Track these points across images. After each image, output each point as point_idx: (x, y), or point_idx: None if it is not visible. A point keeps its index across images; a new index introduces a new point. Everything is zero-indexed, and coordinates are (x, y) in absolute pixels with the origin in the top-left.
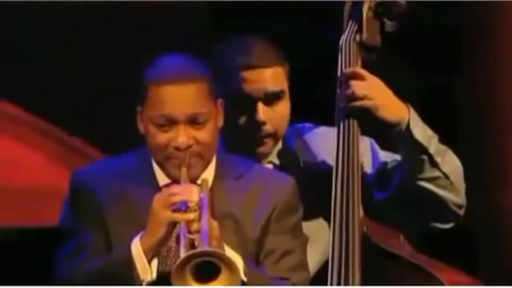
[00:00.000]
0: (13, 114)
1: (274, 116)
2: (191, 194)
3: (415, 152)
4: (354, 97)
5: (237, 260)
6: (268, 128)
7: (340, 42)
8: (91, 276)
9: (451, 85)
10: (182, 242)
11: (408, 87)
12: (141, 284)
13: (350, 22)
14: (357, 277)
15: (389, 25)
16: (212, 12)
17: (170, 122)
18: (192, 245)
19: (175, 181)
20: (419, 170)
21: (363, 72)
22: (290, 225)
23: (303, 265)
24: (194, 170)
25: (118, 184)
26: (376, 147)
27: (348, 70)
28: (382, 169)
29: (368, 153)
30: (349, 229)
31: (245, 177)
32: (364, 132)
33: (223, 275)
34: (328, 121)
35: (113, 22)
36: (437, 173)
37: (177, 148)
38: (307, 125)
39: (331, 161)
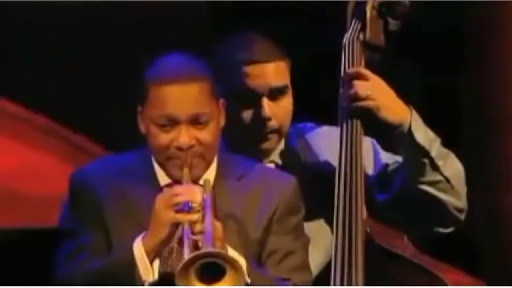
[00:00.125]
0: (13, 111)
1: (279, 112)
2: (195, 194)
3: (417, 155)
4: (356, 97)
5: (241, 261)
6: (273, 123)
7: (344, 41)
8: (91, 276)
9: (454, 86)
10: (186, 243)
11: (411, 88)
12: (142, 285)
13: (353, 21)
14: (360, 277)
15: (393, 24)
16: (212, 12)
17: (172, 122)
18: (195, 246)
19: (176, 181)
20: (420, 173)
21: (366, 72)
22: (292, 226)
23: (305, 265)
24: (196, 170)
25: (118, 183)
26: (378, 147)
27: (351, 70)
28: (383, 170)
29: (370, 153)
30: (352, 230)
31: (247, 177)
32: (366, 133)
33: (228, 276)
34: (330, 120)
35: (113, 22)
36: (438, 177)
37: (179, 148)
38: (309, 124)
39: (334, 161)
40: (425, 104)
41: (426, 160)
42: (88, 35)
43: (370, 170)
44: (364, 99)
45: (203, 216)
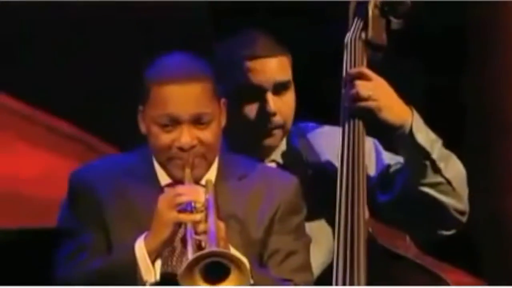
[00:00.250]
0: (15, 108)
1: (283, 107)
2: (198, 194)
3: (418, 157)
4: (358, 98)
5: (244, 261)
6: (278, 119)
7: (345, 40)
8: (92, 276)
9: (456, 85)
10: (190, 243)
11: (413, 87)
12: (144, 285)
13: (355, 20)
14: (363, 277)
15: (395, 23)
16: (212, 12)
17: (174, 122)
18: (199, 246)
19: (177, 181)
20: (421, 175)
21: (369, 72)
22: (293, 226)
23: (307, 266)
24: (197, 170)
25: (118, 183)
26: (380, 148)
27: (353, 70)
28: (385, 171)
29: (372, 154)
30: (354, 230)
31: (248, 177)
32: (368, 133)
33: (233, 275)
34: (331, 120)
35: (113, 22)
36: (439, 179)
37: (181, 149)
38: (311, 124)
39: (335, 160)
40: (427, 104)
41: (427, 162)
42: (88, 35)
43: (372, 171)
44: (366, 99)
45: (206, 216)
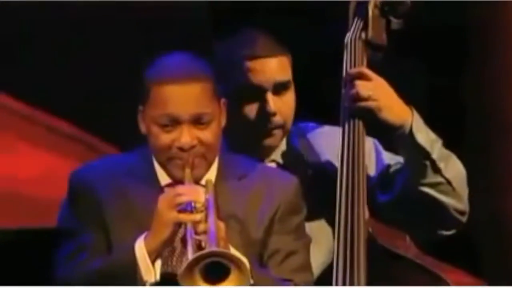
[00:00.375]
0: (15, 108)
1: (283, 107)
2: (198, 194)
3: (418, 157)
4: (358, 98)
5: (244, 261)
6: (278, 119)
7: (345, 40)
8: (92, 276)
9: (456, 86)
10: (190, 243)
11: (413, 87)
12: (144, 285)
13: (355, 20)
14: (363, 277)
15: (395, 23)
16: (212, 12)
17: (174, 122)
18: (199, 246)
19: (177, 181)
20: (421, 175)
21: (369, 72)
22: (293, 226)
23: (307, 266)
24: (197, 170)
25: (118, 183)
26: (380, 148)
27: (353, 70)
28: (385, 171)
29: (372, 154)
30: (354, 230)
31: (248, 177)
32: (368, 133)
33: (233, 275)
34: (331, 120)
35: (113, 22)
36: (439, 179)
37: (181, 149)
38: (311, 124)
39: (335, 160)
40: (427, 103)
41: (427, 162)
42: (88, 35)
43: (372, 171)
44: (366, 99)
45: (206, 216)
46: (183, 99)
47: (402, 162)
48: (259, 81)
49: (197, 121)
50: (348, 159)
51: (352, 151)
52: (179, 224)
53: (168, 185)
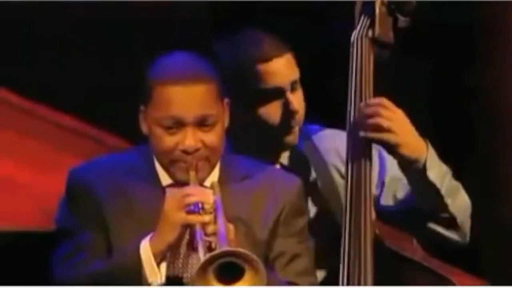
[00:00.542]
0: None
1: (299, 103)
2: (206, 195)
3: (427, 191)
4: (378, 128)
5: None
6: (299, 116)
7: (352, 38)
8: (94, 277)
9: (464, 85)
10: (200, 244)
11: (419, 85)
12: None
13: (362, 18)
14: (369, 279)
15: (402, 21)
16: (212, 12)
17: (178, 124)
18: (209, 248)
19: (180, 183)
20: (427, 208)
21: (389, 103)
22: (298, 228)
23: (311, 269)
24: (200, 173)
25: (118, 181)
26: (384, 154)
27: (374, 100)
28: (390, 180)
29: (376, 161)
30: (361, 231)
31: (251, 178)
32: None
33: (248, 275)
34: (333, 119)
35: (113, 22)
36: (444, 215)
37: (185, 152)
38: (314, 126)
39: (340, 163)
40: (434, 104)
41: (435, 198)
42: (88, 34)
43: (375, 178)
44: (386, 131)
45: (215, 218)
46: (187, 101)
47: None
48: (278, 83)
49: (202, 123)
50: (354, 160)
51: (359, 157)
52: (186, 226)
53: (170, 186)
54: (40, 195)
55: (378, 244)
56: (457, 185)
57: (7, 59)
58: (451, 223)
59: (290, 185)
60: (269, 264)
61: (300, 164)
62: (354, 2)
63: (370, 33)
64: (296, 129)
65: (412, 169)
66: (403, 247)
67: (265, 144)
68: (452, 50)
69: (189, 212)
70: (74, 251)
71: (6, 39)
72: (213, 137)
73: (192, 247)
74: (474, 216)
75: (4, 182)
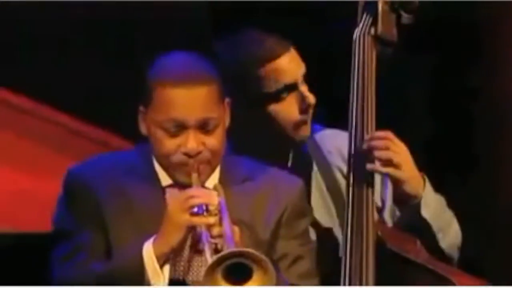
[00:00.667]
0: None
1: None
2: (211, 197)
3: (418, 225)
4: (386, 162)
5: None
6: (313, 109)
7: (354, 36)
8: (95, 279)
9: (466, 82)
10: (207, 246)
11: (421, 83)
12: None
13: (364, 16)
14: (371, 280)
15: (406, 18)
16: (212, 12)
17: (180, 127)
18: (215, 250)
19: (178, 184)
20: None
21: (395, 138)
22: (300, 230)
23: (313, 272)
24: (201, 176)
25: (117, 181)
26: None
27: (381, 133)
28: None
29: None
30: (363, 233)
31: (252, 179)
32: None
33: (257, 276)
34: (332, 118)
35: (113, 22)
36: (434, 247)
37: (187, 154)
38: (316, 126)
39: (342, 163)
40: (436, 103)
41: (426, 232)
42: (88, 34)
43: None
44: (393, 166)
45: (220, 220)
46: (189, 103)
47: None
48: (290, 79)
49: (203, 126)
50: (357, 159)
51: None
52: (190, 228)
53: (170, 186)
54: (40, 198)
55: (380, 245)
56: (450, 217)
57: (7, 59)
58: (440, 255)
59: (292, 187)
60: (275, 265)
61: (304, 163)
62: (355, 2)
63: (372, 30)
64: (309, 122)
65: (408, 204)
66: (406, 249)
67: (273, 142)
68: (455, 49)
69: (193, 214)
70: (73, 251)
71: (6, 39)
72: (214, 139)
73: (195, 249)
74: (474, 216)
75: (4, 185)
